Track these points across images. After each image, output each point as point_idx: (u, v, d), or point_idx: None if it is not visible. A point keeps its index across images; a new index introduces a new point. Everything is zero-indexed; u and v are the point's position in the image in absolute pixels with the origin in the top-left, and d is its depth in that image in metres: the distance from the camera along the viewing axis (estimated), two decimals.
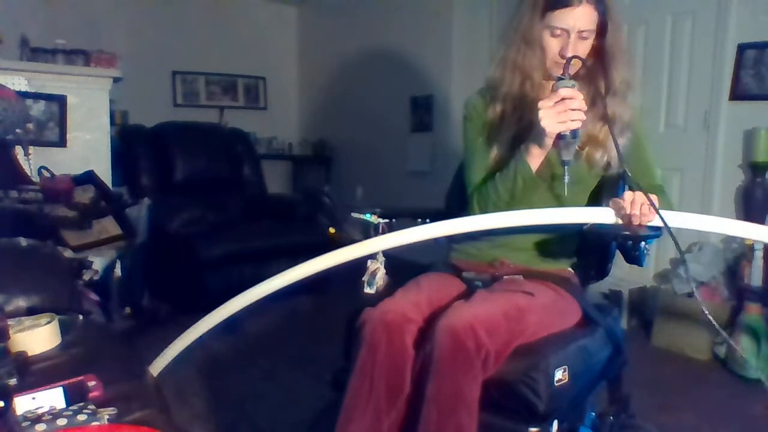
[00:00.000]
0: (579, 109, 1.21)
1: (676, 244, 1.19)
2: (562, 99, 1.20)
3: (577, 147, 1.28)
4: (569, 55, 1.28)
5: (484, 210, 1.41)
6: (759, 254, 2.60)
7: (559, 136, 1.24)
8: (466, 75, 4.34)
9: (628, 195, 1.22)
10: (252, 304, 1.56)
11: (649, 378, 2.42)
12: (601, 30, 1.32)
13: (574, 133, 1.23)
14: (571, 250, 1.51)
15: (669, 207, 1.29)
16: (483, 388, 1.13)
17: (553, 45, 1.31)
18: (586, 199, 1.47)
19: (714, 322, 1.14)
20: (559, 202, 1.40)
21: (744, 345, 2.54)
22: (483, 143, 1.45)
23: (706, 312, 1.15)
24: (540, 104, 1.22)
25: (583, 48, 1.31)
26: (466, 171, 1.49)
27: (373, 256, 1.48)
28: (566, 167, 1.26)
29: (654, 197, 1.21)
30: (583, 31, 1.28)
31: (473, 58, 4.28)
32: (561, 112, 1.20)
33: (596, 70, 1.36)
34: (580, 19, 1.27)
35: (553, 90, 1.23)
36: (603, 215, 1.26)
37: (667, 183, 1.92)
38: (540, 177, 1.35)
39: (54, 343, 1.33)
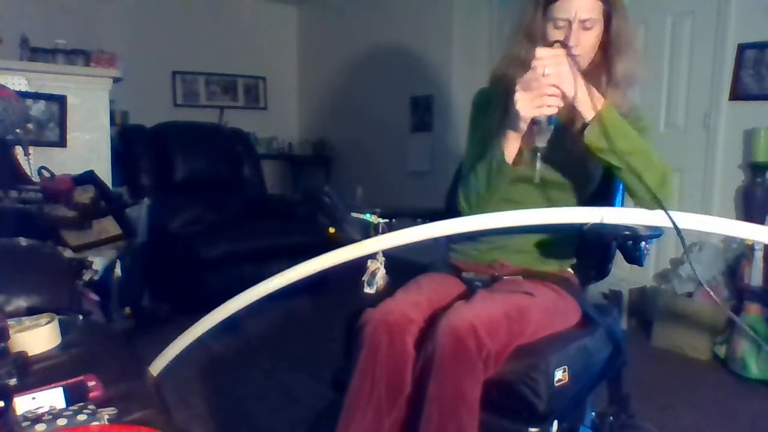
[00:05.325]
0: (556, 95, 1.18)
1: (682, 240, 1.17)
2: (539, 70, 1.16)
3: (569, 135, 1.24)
4: (571, 43, 1.25)
5: (467, 198, 1.41)
6: (759, 254, 2.61)
7: (533, 121, 1.21)
8: (466, 75, 4.34)
9: (539, 51, 1.18)
10: (252, 304, 1.56)
11: (649, 378, 2.43)
12: (607, 21, 1.31)
13: (550, 119, 1.19)
14: (570, 251, 1.50)
15: (661, 172, 1.31)
16: (483, 388, 1.13)
17: (555, 37, 1.28)
18: (586, 184, 1.44)
19: (729, 313, 1.14)
20: (551, 204, 1.39)
21: (744, 345, 2.54)
22: (480, 136, 1.46)
23: (714, 296, 1.14)
24: (517, 85, 1.19)
25: (587, 38, 1.29)
26: (464, 163, 1.52)
27: (373, 256, 1.47)
28: (538, 154, 1.22)
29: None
30: (585, 20, 1.26)
31: (473, 58, 4.28)
32: (536, 97, 1.18)
33: (601, 63, 1.35)
34: (581, 6, 1.25)
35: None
36: (601, 215, 1.26)
37: None
38: (515, 165, 1.32)
39: (54, 343, 1.33)
